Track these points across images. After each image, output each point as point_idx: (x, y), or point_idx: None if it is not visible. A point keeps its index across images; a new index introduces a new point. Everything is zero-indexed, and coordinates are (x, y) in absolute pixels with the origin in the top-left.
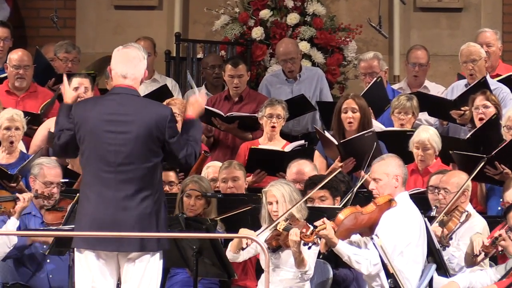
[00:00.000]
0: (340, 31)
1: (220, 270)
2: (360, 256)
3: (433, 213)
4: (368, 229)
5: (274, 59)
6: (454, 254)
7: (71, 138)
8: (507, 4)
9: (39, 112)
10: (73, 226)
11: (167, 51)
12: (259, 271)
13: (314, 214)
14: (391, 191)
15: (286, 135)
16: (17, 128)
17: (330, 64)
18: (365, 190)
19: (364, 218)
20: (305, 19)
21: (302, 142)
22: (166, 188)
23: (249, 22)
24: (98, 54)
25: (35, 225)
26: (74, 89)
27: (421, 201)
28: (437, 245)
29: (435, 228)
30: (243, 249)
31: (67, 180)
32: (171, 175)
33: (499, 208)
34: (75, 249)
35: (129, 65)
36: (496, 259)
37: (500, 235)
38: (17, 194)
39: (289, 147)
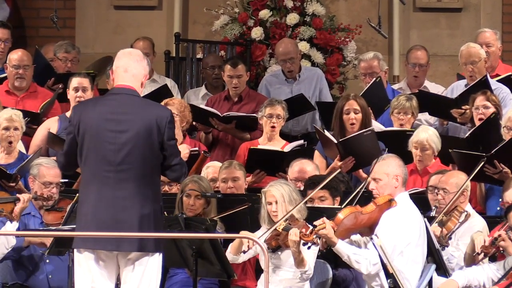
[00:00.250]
0: (340, 31)
1: (219, 270)
2: (359, 255)
3: (432, 213)
4: (368, 229)
5: (273, 59)
6: (453, 254)
7: (73, 142)
8: (507, 4)
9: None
10: (72, 226)
11: (167, 51)
12: (258, 271)
13: (314, 214)
14: (391, 191)
15: (286, 135)
16: (16, 128)
17: (330, 64)
18: (365, 190)
19: (364, 218)
20: (305, 19)
21: (301, 142)
22: (166, 188)
23: (249, 22)
24: (97, 54)
25: (35, 226)
26: (73, 89)
27: (421, 201)
28: (437, 245)
29: (434, 228)
30: (244, 252)
31: (66, 180)
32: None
33: (498, 208)
34: (75, 250)
35: (131, 60)
36: (496, 258)
37: (499, 235)
38: (17, 195)
39: (288, 147)
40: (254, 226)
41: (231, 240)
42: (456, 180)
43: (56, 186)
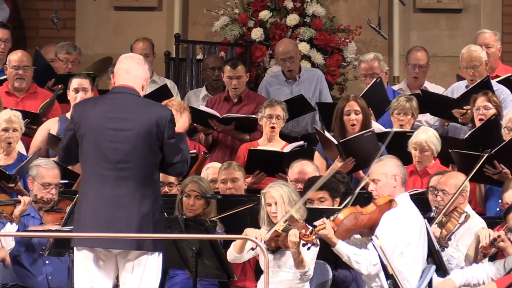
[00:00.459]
0: (340, 32)
1: (219, 271)
2: (359, 256)
3: (433, 214)
4: (368, 230)
5: (273, 60)
6: (453, 255)
7: (73, 138)
8: (507, 5)
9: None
10: (72, 227)
11: (167, 52)
12: (258, 272)
13: (314, 215)
14: (390, 191)
15: (286, 136)
16: (15, 130)
17: (330, 65)
18: (365, 191)
19: (364, 219)
20: (305, 20)
21: (301, 143)
22: (166, 189)
23: (249, 23)
24: (97, 55)
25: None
26: (74, 90)
27: (421, 202)
28: (437, 246)
29: (433, 229)
30: (252, 249)
31: (66, 181)
32: (171, 176)
33: (498, 209)
34: (74, 250)
35: (133, 62)
36: (495, 258)
37: (499, 236)
38: (19, 197)
39: (288, 148)
40: (253, 227)
41: (231, 240)
42: (455, 181)
43: (56, 187)
